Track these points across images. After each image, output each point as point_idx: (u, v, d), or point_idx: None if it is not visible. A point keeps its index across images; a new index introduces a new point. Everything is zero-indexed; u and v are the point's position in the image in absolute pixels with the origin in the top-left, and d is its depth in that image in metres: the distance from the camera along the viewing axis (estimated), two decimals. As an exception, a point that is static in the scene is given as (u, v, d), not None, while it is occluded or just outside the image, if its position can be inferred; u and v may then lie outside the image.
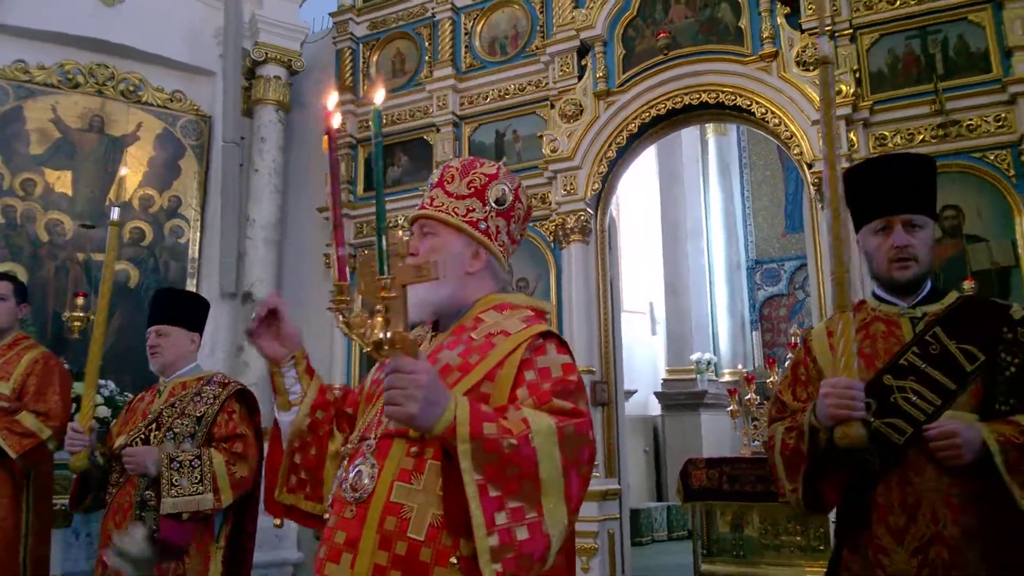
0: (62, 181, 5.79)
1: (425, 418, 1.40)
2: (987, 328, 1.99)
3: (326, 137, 1.61)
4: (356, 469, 1.62)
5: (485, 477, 1.42)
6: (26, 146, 5.67)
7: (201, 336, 3.51)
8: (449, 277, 1.71)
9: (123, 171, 3.46)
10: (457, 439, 1.42)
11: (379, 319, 1.42)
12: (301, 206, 6.63)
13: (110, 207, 2.92)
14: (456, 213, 1.75)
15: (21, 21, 5.73)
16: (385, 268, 1.39)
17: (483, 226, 1.76)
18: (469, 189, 1.77)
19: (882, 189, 2.08)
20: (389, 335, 1.40)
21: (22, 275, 5.36)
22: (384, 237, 1.40)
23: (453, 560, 1.48)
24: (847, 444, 1.81)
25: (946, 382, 1.95)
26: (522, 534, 1.41)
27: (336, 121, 1.61)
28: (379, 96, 1.53)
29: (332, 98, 1.62)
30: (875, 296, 2.15)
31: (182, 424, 3.16)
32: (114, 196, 3.22)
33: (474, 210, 1.76)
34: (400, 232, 1.63)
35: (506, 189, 1.78)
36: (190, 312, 3.49)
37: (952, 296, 2.08)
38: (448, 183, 1.79)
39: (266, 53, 6.38)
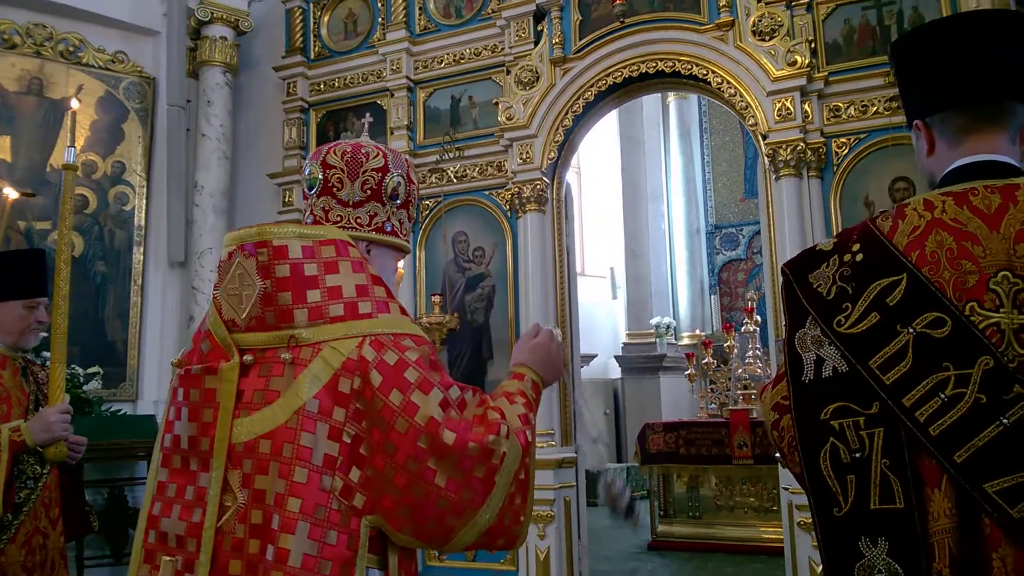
0: (1, 147, 5.57)
1: None
2: None
3: None
4: None
5: None
6: (-39, 110, 5.44)
7: None
8: None
9: (74, 104, 3.19)
10: None
11: None
12: (250, 171, 6.45)
13: (68, 150, 2.72)
14: None
15: (-50, -23, 5.45)
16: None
17: None
18: None
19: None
20: None
21: (-41, 245, 5.17)
22: None
23: None
24: None
25: None
26: None
27: None
28: None
29: None
30: None
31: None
32: (68, 138, 2.97)
33: None
34: None
35: None
36: None
37: None
38: None
39: (212, 12, 6.14)
